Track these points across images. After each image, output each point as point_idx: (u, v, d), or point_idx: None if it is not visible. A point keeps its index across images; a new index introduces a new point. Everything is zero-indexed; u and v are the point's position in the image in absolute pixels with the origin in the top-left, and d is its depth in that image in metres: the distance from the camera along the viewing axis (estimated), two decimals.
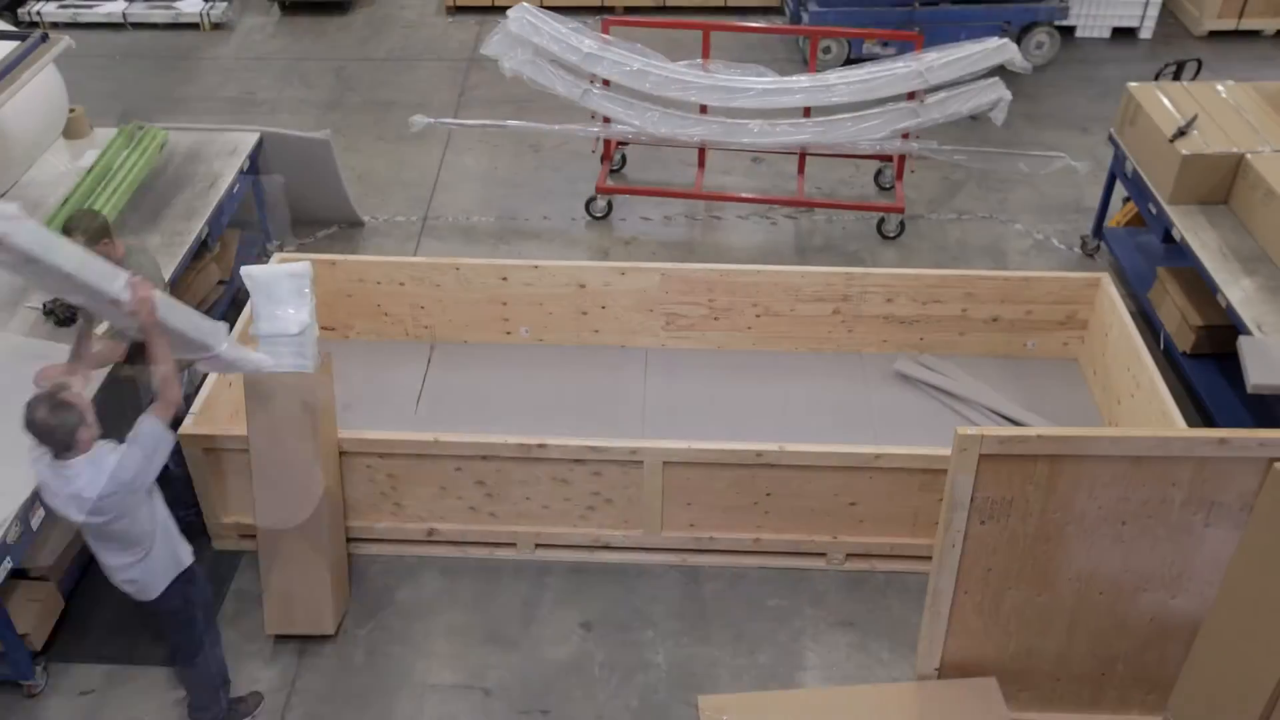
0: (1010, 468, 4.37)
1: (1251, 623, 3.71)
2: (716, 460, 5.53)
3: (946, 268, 8.01)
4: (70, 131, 7.45)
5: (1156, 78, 7.94)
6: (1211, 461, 4.31)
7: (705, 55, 8.14)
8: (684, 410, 6.59)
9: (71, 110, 7.44)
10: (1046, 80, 10.61)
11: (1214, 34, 11.20)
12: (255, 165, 7.64)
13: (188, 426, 5.58)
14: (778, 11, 11.81)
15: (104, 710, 5.21)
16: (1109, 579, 4.65)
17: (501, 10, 11.88)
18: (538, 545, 5.92)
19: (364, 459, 5.66)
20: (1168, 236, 7.00)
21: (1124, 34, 11.33)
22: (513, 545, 5.92)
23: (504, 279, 6.83)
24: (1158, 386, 5.82)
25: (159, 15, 11.55)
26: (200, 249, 6.92)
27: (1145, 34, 11.29)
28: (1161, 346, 7.06)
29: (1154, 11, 11.17)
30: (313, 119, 10.03)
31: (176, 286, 6.80)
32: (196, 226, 6.72)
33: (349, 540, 5.93)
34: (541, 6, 11.78)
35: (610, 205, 8.67)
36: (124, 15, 11.51)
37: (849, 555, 5.85)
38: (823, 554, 5.86)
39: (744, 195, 8.71)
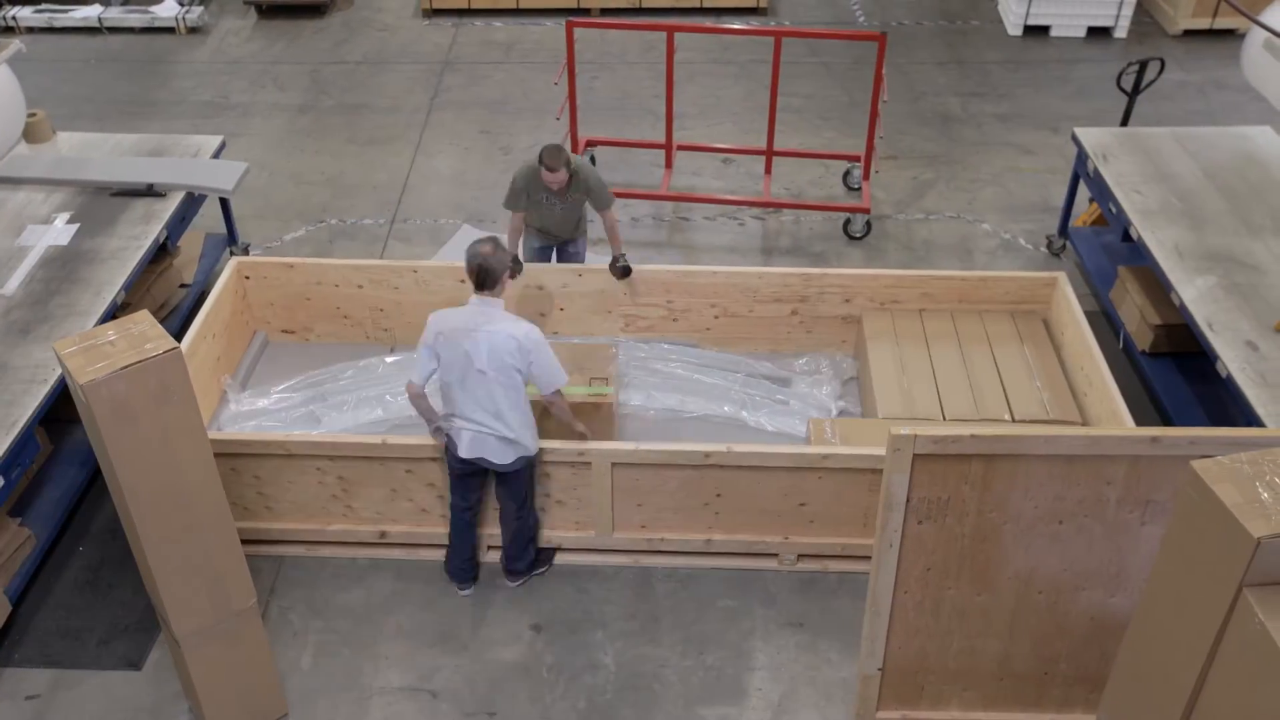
0: (945, 467, 4.36)
1: (1173, 622, 3.71)
2: (664, 461, 5.53)
3: (912, 268, 8.03)
4: (32, 135, 7.46)
5: (1119, 77, 7.95)
6: (1145, 460, 4.30)
7: (669, 58, 8.14)
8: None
9: (32, 114, 7.45)
10: (1020, 80, 10.62)
11: (1188, 33, 11.22)
12: None
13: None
14: (753, 12, 11.84)
15: (50, 715, 5.20)
16: (1048, 578, 4.65)
17: (477, 13, 11.98)
18: (490, 547, 5.92)
19: (314, 461, 5.66)
20: (1128, 236, 6.99)
21: (1099, 33, 11.33)
22: None
23: (462, 281, 6.81)
24: (1108, 385, 5.81)
25: (135, 19, 11.57)
26: (160, 252, 6.92)
27: (1120, 33, 11.29)
28: (1121, 345, 7.06)
29: (1129, 11, 11.18)
30: (285, 122, 10.05)
31: (135, 290, 6.83)
32: (155, 230, 6.71)
33: (303, 543, 5.95)
34: (517, 8, 11.93)
35: None
36: (100, 20, 11.52)
37: (801, 556, 5.85)
38: (775, 555, 5.86)
39: (709, 196, 8.71)
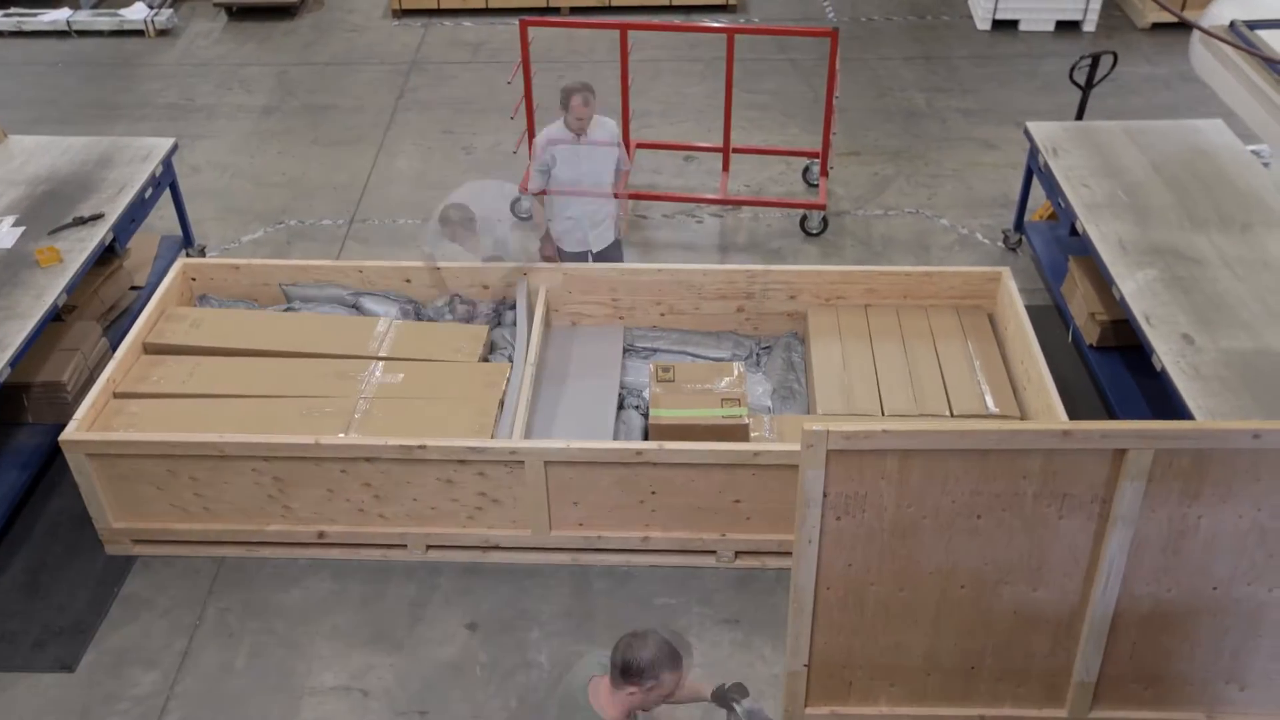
0: (860, 463, 4.35)
1: None
2: (597, 459, 5.52)
3: (868, 263, 8.01)
4: None
5: (1072, 71, 7.94)
6: (1059, 453, 4.29)
7: (623, 56, 8.14)
8: None
9: None
10: (987, 74, 10.60)
11: (1157, 26, 11.17)
12: (170, 171, 7.65)
13: (70, 433, 5.60)
14: (724, 9, 11.82)
15: None
16: (970, 573, 4.64)
17: (446, 13, 11.98)
18: (429, 547, 5.92)
19: (249, 462, 5.65)
20: (1076, 230, 6.97)
21: (1068, 27, 11.30)
22: (404, 547, 5.92)
23: (407, 281, 6.83)
24: (1045, 380, 5.80)
25: (104, 22, 11.57)
26: (107, 254, 6.92)
27: (1089, 27, 11.25)
28: (1070, 339, 7.05)
29: (1097, 4, 11.14)
30: (249, 124, 10.06)
31: (82, 290, 6.84)
32: (99, 233, 6.71)
33: (242, 544, 5.95)
34: (486, 8, 11.94)
35: None
36: (68, 23, 11.53)
37: (739, 553, 5.84)
38: (713, 552, 5.85)
39: (666, 194, 8.70)
